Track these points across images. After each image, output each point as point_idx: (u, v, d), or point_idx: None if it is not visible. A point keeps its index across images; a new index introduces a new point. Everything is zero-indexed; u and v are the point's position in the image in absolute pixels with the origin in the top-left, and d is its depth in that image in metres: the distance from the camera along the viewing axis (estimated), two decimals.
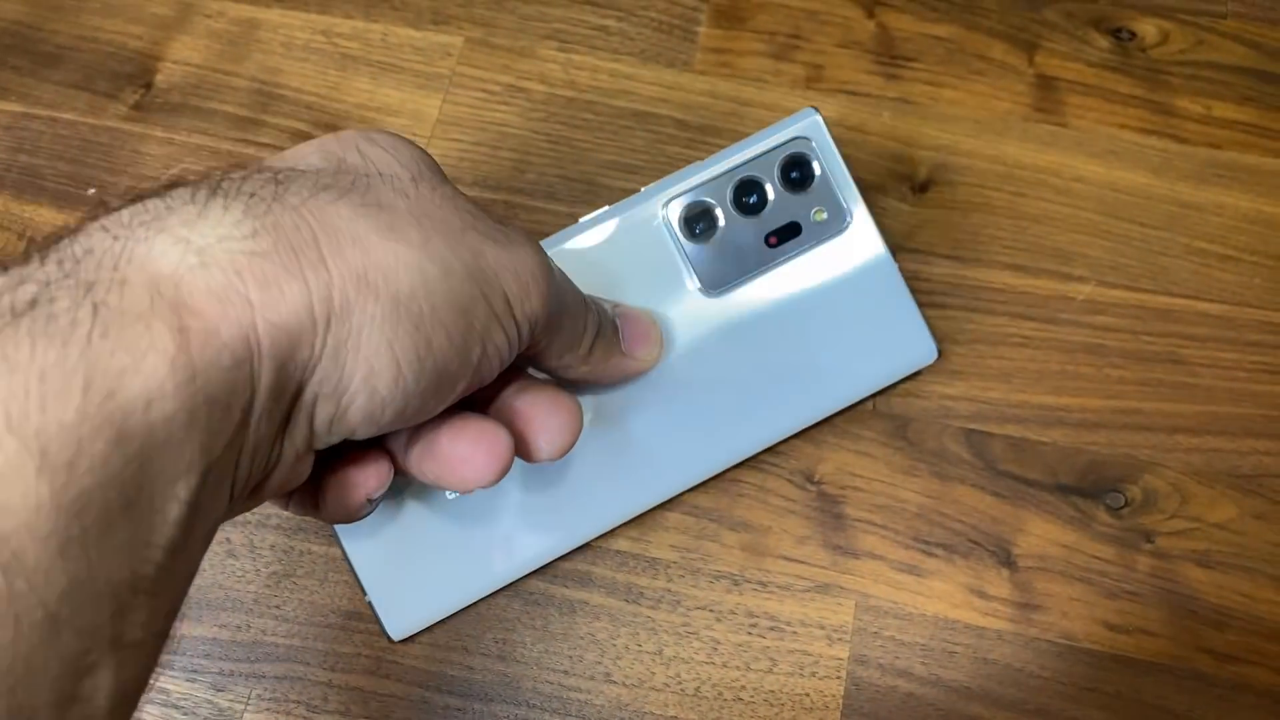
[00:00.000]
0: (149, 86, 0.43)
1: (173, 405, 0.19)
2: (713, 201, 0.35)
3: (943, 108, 0.42)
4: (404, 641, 0.34)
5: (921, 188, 0.41)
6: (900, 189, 0.41)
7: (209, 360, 0.20)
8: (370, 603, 0.33)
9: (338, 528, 0.33)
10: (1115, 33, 0.43)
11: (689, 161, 0.41)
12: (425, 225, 0.23)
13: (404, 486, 0.34)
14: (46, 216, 0.40)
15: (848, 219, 0.35)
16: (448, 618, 0.34)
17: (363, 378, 0.22)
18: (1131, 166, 0.41)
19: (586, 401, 0.34)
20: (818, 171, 0.35)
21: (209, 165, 0.41)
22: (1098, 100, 0.42)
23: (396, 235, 0.23)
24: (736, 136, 0.42)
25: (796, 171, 0.35)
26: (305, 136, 0.42)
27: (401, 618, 0.33)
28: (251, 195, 0.22)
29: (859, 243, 0.35)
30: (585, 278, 0.31)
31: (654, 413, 0.34)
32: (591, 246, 0.34)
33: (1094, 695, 0.33)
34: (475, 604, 0.34)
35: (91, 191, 0.41)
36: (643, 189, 0.35)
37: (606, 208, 0.35)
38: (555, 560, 0.34)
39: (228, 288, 0.20)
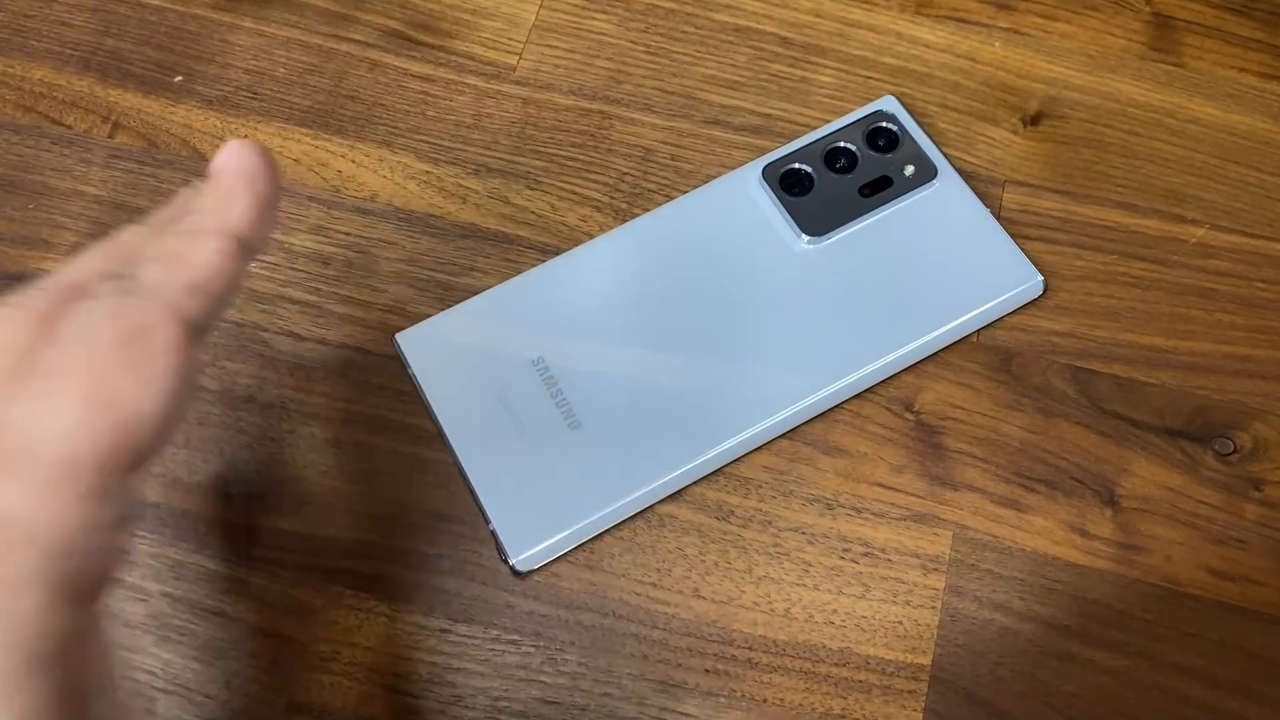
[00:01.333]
0: None
1: None
2: (807, 166, 0.37)
3: (1055, 41, 0.41)
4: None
5: (1033, 120, 0.39)
6: (1011, 120, 0.39)
7: None
8: (493, 530, 0.33)
9: (456, 445, 0.33)
10: None
11: (792, 80, 0.40)
12: None
13: (535, 420, 0.34)
14: (133, 101, 0.39)
15: (935, 173, 0.37)
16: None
17: None
18: (1250, 111, 0.40)
19: (704, 318, 0.35)
20: (901, 139, 0.37)
21: (299, 60, 0.40)
22: (1216, 42, 0.41)
23: None
24: (842, 57, 0.40)
25: (882, 139, 0.38)
26: (398, 36, 0.41)
27: (528, 548, 0.32)
28: None
29: (949, 192, 0.37)
30: (691, 242, 0.36)
31: (769, 347, 0.35)
32: (696, 215, 0.37)
33: (1196, 641, 0.32)
34: None
35: (179, 79, 0.40)
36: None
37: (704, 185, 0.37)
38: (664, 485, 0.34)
39: None
